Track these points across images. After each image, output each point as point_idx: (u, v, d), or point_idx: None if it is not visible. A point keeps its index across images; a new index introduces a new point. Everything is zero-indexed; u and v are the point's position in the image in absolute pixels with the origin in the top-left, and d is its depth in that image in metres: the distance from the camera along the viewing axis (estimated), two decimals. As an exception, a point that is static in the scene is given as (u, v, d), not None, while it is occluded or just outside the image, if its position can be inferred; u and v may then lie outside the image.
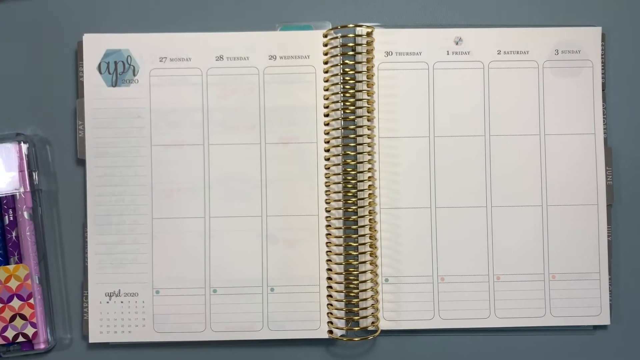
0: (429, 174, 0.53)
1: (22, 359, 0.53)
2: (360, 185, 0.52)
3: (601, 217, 0.53)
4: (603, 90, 0.54)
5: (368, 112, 0.52)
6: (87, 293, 0.52)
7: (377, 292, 0.52)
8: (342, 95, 0.52)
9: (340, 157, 0.52)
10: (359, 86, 0.52)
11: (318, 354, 0.53)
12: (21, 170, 0.52)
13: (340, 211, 0.52)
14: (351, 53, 0.52)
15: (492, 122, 0.53)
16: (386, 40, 0.53)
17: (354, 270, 0.52)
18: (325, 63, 0.53)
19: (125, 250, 0.52)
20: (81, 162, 0.53)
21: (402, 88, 0.53)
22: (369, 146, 0.52)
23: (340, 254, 0.52)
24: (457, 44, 0.53)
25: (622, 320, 0.54)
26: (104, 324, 0.52)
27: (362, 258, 0.52)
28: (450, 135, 0.53)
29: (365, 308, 0.52)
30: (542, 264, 0.53)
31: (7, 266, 0.51)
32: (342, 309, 0.52)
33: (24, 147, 0.52)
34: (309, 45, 0.53)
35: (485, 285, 0.53)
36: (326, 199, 0.52)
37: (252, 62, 0.53)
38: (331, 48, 0.53)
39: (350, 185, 0.52)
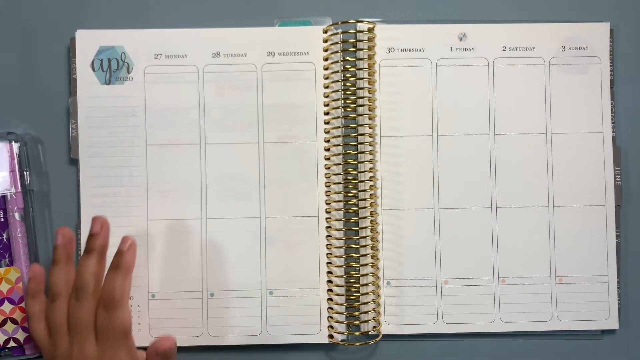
0: (432, 174, 0.52)
1: (14, 365, 0.52)
2: (362, 186, 0.51)
3: (609, 218, 0.52)
4: (611, 87, 0.53)
5: (369, 110, 0.52)
6: (81, 297, 0.51)
7: (378, 295, 0.51)
8: (342, 92, 0.52)
9: (340, 157, 0.52)
10: (360, 83, 0.52)
11: (318, 359, 0.52)
12: (12, 170, 0.51)
13: (341, 212, 0.51)
14: (352, 49, 0.51)
15: (497, 121, 0.52)
16: (388, 37, 0.52)
17: (354, 273, 0.51)
18: (326, 60, 0.52)
19: (119, 252, 0.51)
20: (74, 162, 0.52)
21: (405, 85, 0.52)
22: (370, 145, 0.51)
23: (341, 256, 0.51)
24: (461, 40, 0.53)
25: (631, 324, 0.53)
26: (98, 329, 0.51)
27: (363, 260, 0.51)
28: (454, 134, 0.52)
29: (367, 312, 0.51)
30: (549, 266, 0.52)
31: (-2, 269, 0.50)
32: (342, 313, 0.51)
33: (15, 146, 0.52)
34: (309, 41, 0.52)
35: (490, 289, 0.52)
36: (326, 200, 0.52)
37: (250, 58, 0.52)
38: (331, 44, 0.52)
39: (351, 186, 0.51)
